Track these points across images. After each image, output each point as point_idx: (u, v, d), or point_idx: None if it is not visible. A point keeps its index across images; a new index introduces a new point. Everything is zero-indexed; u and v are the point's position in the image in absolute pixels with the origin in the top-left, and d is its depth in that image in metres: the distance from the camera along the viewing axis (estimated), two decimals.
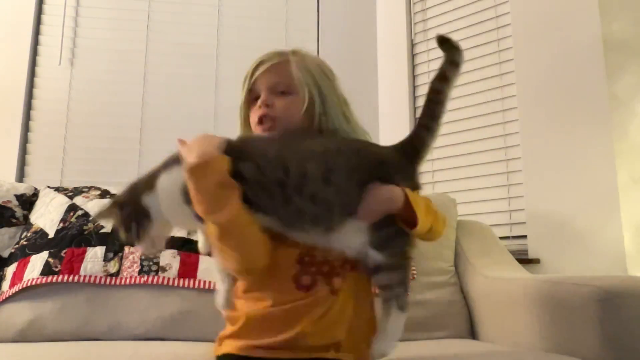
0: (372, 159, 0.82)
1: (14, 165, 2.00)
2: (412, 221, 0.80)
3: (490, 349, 1.14)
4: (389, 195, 0.80)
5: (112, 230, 1.36)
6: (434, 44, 2.16)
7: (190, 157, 0.73)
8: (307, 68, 0.91)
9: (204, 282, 1.32)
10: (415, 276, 1.40)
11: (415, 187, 0.86)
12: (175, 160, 0.78)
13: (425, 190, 2.03)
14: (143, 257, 1.34)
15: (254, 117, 0.92)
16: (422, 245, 1.45)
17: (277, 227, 0.79)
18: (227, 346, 0.82)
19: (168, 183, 0.77)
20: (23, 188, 1.53)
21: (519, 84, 1.88)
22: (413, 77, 2.20)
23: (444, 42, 0.88)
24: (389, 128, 2.20)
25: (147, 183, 0.78)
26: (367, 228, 0.80)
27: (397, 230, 0.82)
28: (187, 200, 0.74)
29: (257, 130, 0.92)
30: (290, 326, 0.79)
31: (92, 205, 1.43)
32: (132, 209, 0.77)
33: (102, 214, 0.81)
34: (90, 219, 1.39)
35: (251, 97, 0.93)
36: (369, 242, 0.80)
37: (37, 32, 2.14)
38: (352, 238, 0.80)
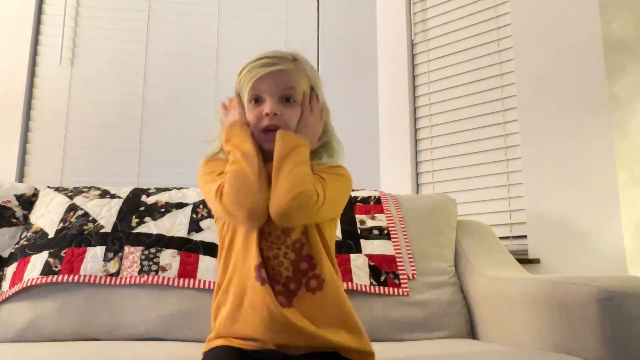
0: None
1: (14, 165, 2.00)
2: None
3: (490, 349, 1.13)
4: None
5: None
6: (434, 44, 2.21)
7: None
8: (308, 76, 0.93)
9: (204, 282, 1.31)
10: (415, 276, 1.41)
11: None
12: None
13: (425, 190, 2.07)
14: (143, 257, 1.34)
15: (255, 120, 0.90)
16: (422, 245, 1.47)
17: None
18: None
19: None
20: (23, 188, 1.53)
21: (519, 84, 1.88)
22: (413, 77, 2.20)
23: None
24: (389, 128, 2.20)
25: None
26: None
27: None
28: None
29: (260, 134, 0.90)
30: None
31: (92, 205, 1.43)
32: None
33: None
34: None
35: (252, 96, 0.91)
36: None
37: (37, 32, 2.15)
38: None
